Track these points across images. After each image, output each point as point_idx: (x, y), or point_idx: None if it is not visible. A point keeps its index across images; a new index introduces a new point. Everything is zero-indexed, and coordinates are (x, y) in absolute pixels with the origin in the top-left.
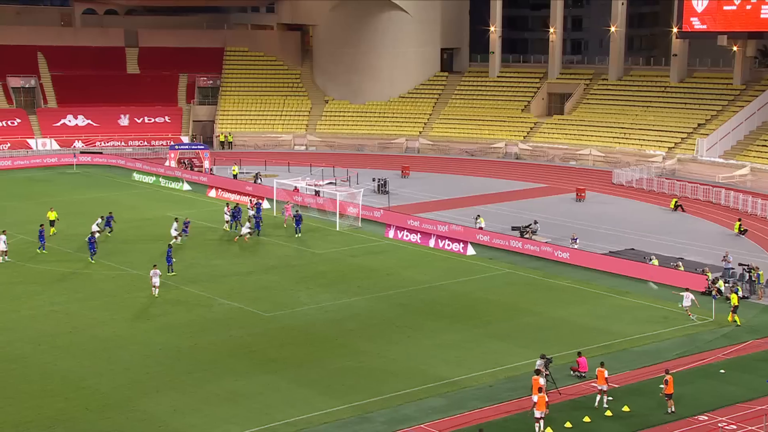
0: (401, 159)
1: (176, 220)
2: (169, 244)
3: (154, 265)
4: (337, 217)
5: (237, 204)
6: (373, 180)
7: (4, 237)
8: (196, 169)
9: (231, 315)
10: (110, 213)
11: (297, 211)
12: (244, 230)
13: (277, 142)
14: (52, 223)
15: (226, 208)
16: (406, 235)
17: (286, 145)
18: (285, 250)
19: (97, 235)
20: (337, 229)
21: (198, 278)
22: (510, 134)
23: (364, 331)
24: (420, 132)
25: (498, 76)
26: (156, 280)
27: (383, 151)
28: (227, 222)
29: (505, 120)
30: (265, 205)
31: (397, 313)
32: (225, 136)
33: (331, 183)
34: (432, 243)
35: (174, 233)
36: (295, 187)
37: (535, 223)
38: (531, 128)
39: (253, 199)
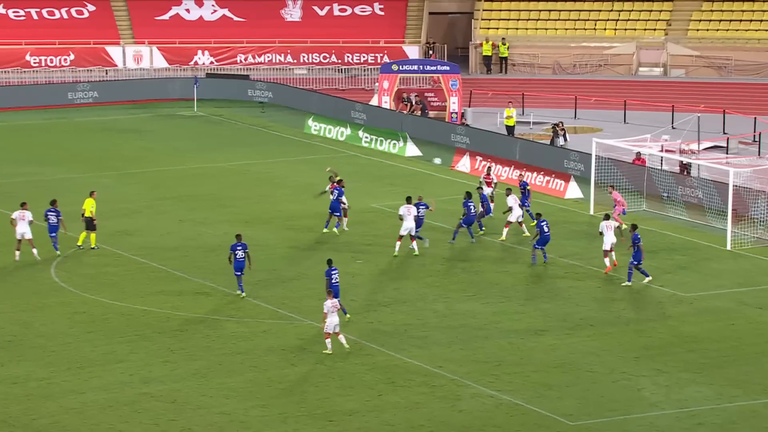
0: None
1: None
2: (329, 263)
3: (329, 292)
4: (729, 221)
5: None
6: None
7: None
8: (431, 113)
9: (492, 417)
10: (339, 179)
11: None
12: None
13: (603, 60)
14: (88, 222)
15: (482, 188)
16: None
17: (621, 65)
18: (605, 284)
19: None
20: (728, 247)
21: (415, 334)
22: None
23: None
24: None
25: None
26: (334, 321)
27: None
28: (481, 214)
29: None
30: (574, 193)
31: None
32: (493, 46)
33: (716, 147)
34: None
35: (407, 229)
36: (638, 153)
37: None
38: None
39: (514, 170)
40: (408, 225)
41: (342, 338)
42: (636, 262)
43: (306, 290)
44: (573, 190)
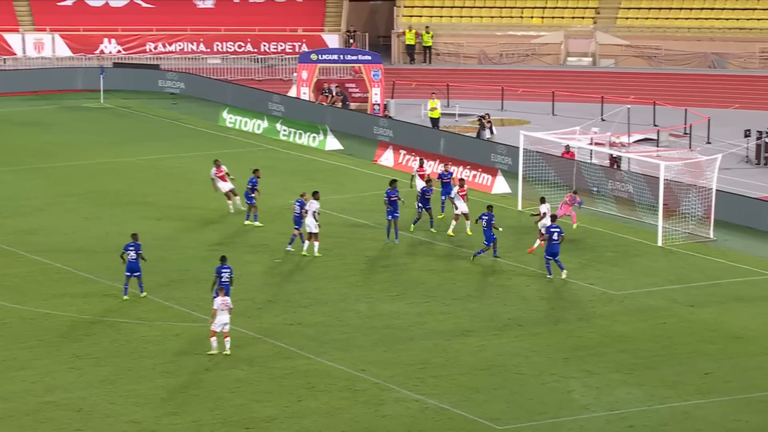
0: None
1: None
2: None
3: (221, 288)
4: (660, 216)
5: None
6: (747, 135)
7: None
8: (353, 105)
9: (417, 422)
10: (255, 172)
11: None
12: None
13: (530, 49)
14: None
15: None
16: None
17: (549, 54)
18: (534, 282)
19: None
20: (659, 243)
21: (336, 337)
22: None
23: None
24: None
25: None
26: (223, 320)
27: None
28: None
29: None
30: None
31: None
32: (416, 35)
33: (646, 140)
34: None
35: (307, 225)
36: (567, 146)
37: None
38: None
39: (439, 164)
40: (306, 221)
41: (227, 341)
42: (550, 256)
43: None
44: (500, 185)
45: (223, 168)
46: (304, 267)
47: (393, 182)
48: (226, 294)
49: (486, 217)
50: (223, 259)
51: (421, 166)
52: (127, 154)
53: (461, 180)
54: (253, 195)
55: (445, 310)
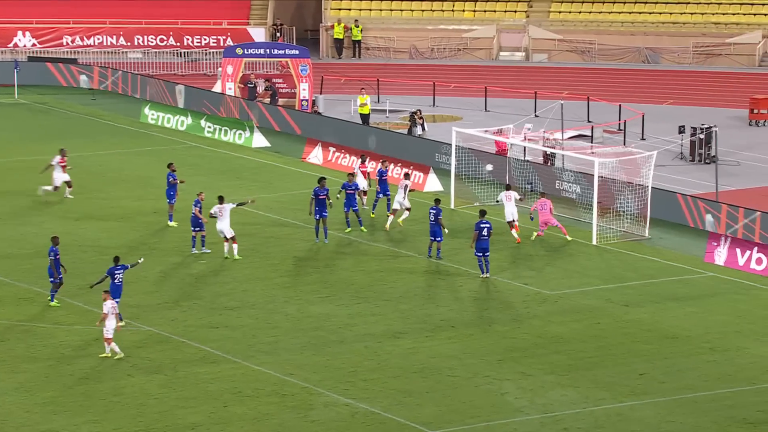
0: (750, 81)
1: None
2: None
3: (107, 291)
4: (594, 214)
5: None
6: (681, 131)
7: None
8: (281, 100)
9: (347, 427)
10: (170, 166)
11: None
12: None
13: (462, 44)
14: None
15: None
16: (758, 260)
17: (481, 49)
18: (467, 282)
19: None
20: (594, 242)
21: (264, 340)
22: None
23: None
24: None
25: None
26: (113, 326)
27: (706, 65)
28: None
29: None
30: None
31: None
32: (345, 29)
33: (580, 137)
34: None
35: (219, 230)
36: (498, 143)
37: None
38: None
39: (370, 161)
40: (220, 226)
41: (109, 347)
42: (480, 253)
43: (144, 294)
44: (432, 183)
45: (66, 159)
46: (230, 268)
47: (321, 180)
48: (114, 297)
49: (433, 211)
50: (116, 259)
51: (363, 162)
52: (44, 152)
53: (406, 174)
54: (174, 192)
55: (377, 311)
